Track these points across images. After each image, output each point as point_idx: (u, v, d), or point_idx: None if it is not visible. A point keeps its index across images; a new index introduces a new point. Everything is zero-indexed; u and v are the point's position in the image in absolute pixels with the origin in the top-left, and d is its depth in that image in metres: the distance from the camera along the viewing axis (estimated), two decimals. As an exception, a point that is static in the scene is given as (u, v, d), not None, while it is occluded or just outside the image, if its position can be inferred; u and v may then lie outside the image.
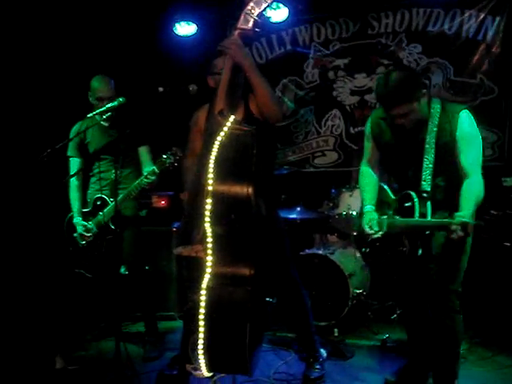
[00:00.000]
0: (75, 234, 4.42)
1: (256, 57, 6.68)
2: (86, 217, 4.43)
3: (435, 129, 3.16)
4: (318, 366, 3.83)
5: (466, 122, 3.13)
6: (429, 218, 3.08)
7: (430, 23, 5.95)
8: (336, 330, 4.68)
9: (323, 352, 4.05)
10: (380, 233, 3.34)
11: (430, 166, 3.16)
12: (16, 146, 5.14)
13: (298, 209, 5.55)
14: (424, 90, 3.17)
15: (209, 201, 2.77)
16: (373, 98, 6.24)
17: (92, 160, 4.46)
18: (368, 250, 3.57)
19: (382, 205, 3.48)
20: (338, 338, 4.62)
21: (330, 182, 5.77)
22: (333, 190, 5.50)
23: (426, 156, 3.17)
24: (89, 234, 4.35)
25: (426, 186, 3.14)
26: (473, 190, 3.04)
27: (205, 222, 2.76)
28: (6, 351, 4.19)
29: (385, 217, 3.37)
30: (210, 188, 2.77)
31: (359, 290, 4.86)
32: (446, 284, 3.15)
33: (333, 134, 6.51)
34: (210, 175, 2.79)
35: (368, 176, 3.63)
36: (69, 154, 4.46)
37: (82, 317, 4.83)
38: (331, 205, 5.43)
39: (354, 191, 5.19)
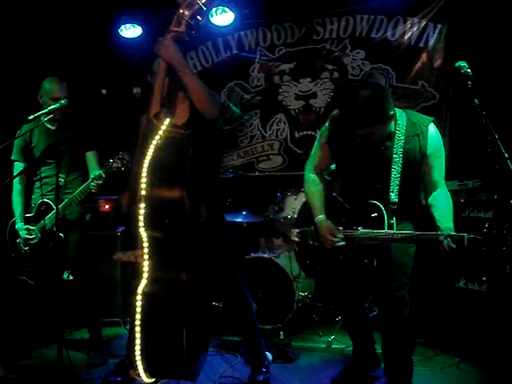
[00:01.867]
0: (18, 240, 4.33)
1: (202, 60, 6.69)
2: (29, 222, 4.34)
3: (402, 140, 3.16)
4: (263, 369, 3.84)
5: (434, 136, 3.18)
6: (394, 230, 3.09)
7: (373, 30, 6.03)
8: (281, 332, 4.74)
9: (269, 355, 4.08)
10: (342, 243, 3.26)
11: (398, 176, 3.16)
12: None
13: (244, 212, 5.57)
14: (393, 112, 3.16)
15: (142, 205, 2.75)
16: (317, 102, 6.31)
17: (37, 164, 4.35)
18: (312, 262, 3.56)
19: (331, 215, 3.39)
20: (284, 341, 4.66)
21: (276, 185, 5.79)
22: (278, 194, 5.53)
23: (393, 166, 3.17)
24: (32, 237, 4.26)
25: (394, 197, 3.14)
26: (448, 201, 3.11)
27: (139, 226, 2.75)
28: None
29: (340, 228, 3.31)
30: (143, 192, 2.76)
31: (304, 292, 4.91)
32: (395, 292, 3.19)
33: (278, 138, 6.53)
34: (143, 179, 2.77)
35: (316, 184, 3.54)
36: (13, 157, 4.37)
37: (26, 324, 4.73)
38: (276, 208, 5.46)
39: (298, 195, 5.23)
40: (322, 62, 6.28)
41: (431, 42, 5.78)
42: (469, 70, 2.84)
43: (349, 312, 3.71)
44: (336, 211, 3.42)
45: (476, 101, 2.72)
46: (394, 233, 3.07)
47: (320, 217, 3.40)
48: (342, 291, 3.60)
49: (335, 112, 3.66)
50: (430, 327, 4.64)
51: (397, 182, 3.16)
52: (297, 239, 3.65)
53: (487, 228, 2.75)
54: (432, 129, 3.19)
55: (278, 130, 6.55)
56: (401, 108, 3.28)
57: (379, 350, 3.57)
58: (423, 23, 5.82)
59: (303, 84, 6.38)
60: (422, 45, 5.84)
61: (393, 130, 3.19)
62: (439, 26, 5.74)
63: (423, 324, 4.59)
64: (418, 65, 5.88)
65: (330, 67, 6.26)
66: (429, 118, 3.28)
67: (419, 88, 5.88)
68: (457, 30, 5.55)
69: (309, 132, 6.37)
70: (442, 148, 3.21)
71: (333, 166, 3.71)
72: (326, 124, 3.52)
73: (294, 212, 5.15)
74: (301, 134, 6.44)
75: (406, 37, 5.91)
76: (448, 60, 5.58)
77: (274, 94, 6.51)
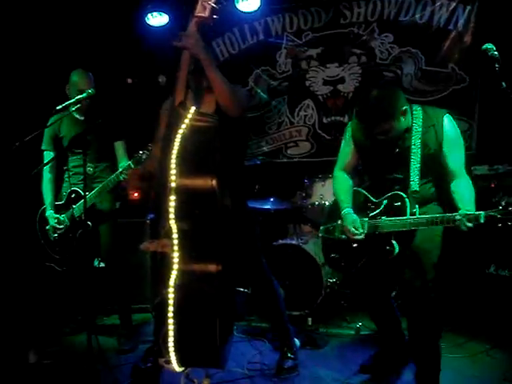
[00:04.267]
0: (47, 227, 4.41)
1: (229, 47, 6.67)
2: (59, 210, 4.42)
3: (420, 132, 3.22)
4: (291, 356, 3.85)
5: (449, 127, 3.22)
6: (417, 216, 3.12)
7: (401, 12, 5.96)
8: (310, 319, 4.73)
9: (297, 341, 4.08)
10: (363, 234, 3.32)
11: (418, 165, 3.20)
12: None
13: (272, 199, 5.55)
14: (406, 107, 3.20)
15: (172, 197, 2.75)
16: (345, 87, 6.27)
17: (66, 154, 4.43)
18: (339, 256, 3.57)
19: (357, 209, 3.45)
20: (312, 328, 4.66)
21: (303, 172, 5.79)
22: (305, 180, 5.51)
23: (412, 157, 3.22)
24: (61, 227, 4.33)
25: (415, 185, 3.19)
26: (469, 188, 3.12)
27: (169, 218, 2.75)
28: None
29: (365, 219, 3.35)
30: (172, 184, 2.75)
31: (332, 279, 4.89)
32: (420, 279, 3.17)
33: (306, 124, 6.51)
34: (173, 171, 2.76)
35: (344, 180, 3.61)
36: (43, 147, 4.45)
37: (57, 310, 4.80)
38: (304, 195, 5.45)
39: (326, 181, 5.22)
40: (350, 46, 6.23)
41: (460, 23, 5.71)
42: (496, 53, 2.79)
43: (374, 305, 3.69)
44: (362, 204, 3.47)
45: (503, 84, 2.68)
46: (413, 218, 3.11)
47: (345, 210, 3.44)
48: (366, 284, 3.59)
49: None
50: (459, 314, 4.59)
51: (417, 172, 3.20)
52: (320, 234, 3.76)
53: (503, 206, 2.74)
54: (446, 120, 3.23)
55: (305, 115, 6.52)
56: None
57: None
58: (452, 5, 5.75)
59: (331, 69, 6.34)
60: (451, 27, 5.76)
61: (410, 123, 3.26)
62: (468, 7, 5.66)
63: (452, 310, 4.55)
64: (448, 47, 5.81)
65: (357, 51, 6.21)
66: (443, 110, 3.31)
67: (449, 71, 5.81)
68: (486, 11, 5.46)
69: (337, 117, 6.33)
70: (460, 138, 3.24)
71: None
72: (349, 122, 3.61)
73: (321, 198, 5.16)
74: (329, 119, 6.41)
75: (435, 19, 5.83)
76: (477, 42, 5.47)
77: (302, 80, 6.48)
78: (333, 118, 6.35)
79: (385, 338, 3.81)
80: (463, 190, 3.10)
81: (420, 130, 3.23)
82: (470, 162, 4.91)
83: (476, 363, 3.88)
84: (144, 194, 5.56)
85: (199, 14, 2.98)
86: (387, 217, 3.25)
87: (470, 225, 2.84)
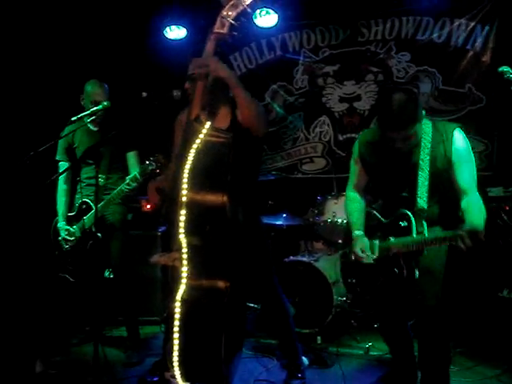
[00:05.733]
0: (59, 238, 4.42)
1: (246, 61, 6.71)
2: (71, 221, 4.43)
3: (429, 147, 3.13)
4: (299, 375, 3.80)
5: (459, 142, 3.11)
6: (425, 235, 3.04)
7: (419, 31, 5.95)
8: (319, 337, 4.69)
9: (305, 360, 4.04)
10: (373, 257, 3.26)
11: (426, 183, 3.12)
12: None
13: (284, 215, 5.54)
14: (424, 111, 3.13)
15: (183, 212, 2.74)
16: (361, 105, 6.26)
17: (79, 165, 4.44)
18: (355, 281, 3.52)
19: (370, 230, 3.39)
20: (321, 346, 4.62)
21: (316, 188, 5.79)
22: (318, 197, 5.50)
23: (420, 173, 3.13)
24: (72, 239, 4.34)
25: (423, 203, 3.10)
26: (477, 205, 3.00)
27: (179, 233, 2.74)
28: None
29: (376, 241, 3.30)
30: (183, 198, 2.75)
31: (343, 297, 4.85)
32: (428, 302, 3.13)
33: (321, 140, 6.51)
34: (184, 185, 2.76)
35: (355, 201, 3.55)
36: (57, 157, 4.49)
37: (65, 321, 4.80)
38: (316, 212, 5.43)
39: (339, 199, 5.19)
40: (367, 64, 6.24)
41: (479, 43, 5.69)
42: (512, 75, 2.77)
43: (390, 330, 3.62)
44: (373, 226, 3.42)
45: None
46: (419, 237, 3.04)
47: (355, 233, 3.39)
48: (383, 310, 3.54)
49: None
50: (470, 337, 4.53)
51: (425, 189, 3.11)
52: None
53: (503, 221, 2.68)
54: (457, 135, 3.12)
55: (321, 132, 6.53)
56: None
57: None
58: (471, 25, 5.72)
59: (347, 86, 6.35)
60: (469, 47, 5.74)
61: (419, 137, 3.14)
62: (487, 27, 5.64)
63: (464, 333, 4.50)
64: (465, 67, 5.79)
65: (374, 69, 6.21)
66: (455, 124, 3.23)
67: (466, 91, 5.79)
68: (505, 31, 5.43)
69: (353, 135, 6.31)
70: (470, 154, 3.13)
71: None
72: (356, 141, 3.54)
73: (334, 216, 5.12)
74: (344, 136, 6.40)
75: (453, 38, 5.81)
76: (496, 62, 5.44)
77: (318, 96, 6.49)
78: (348, 135, 6.34)
79: (396, 359, 3.74)
80: (471, 209, 2.99)
81: (429, 145, 3.12)
82: (486, 183, 4.90)
83: (486, 387, 3.82)
84: (156, 206, 5.58)
85: (218, 31, 2.98)
86: (394, 237, 3.18)
87: (468, 242, 2.76)
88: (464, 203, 3.05)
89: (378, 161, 3.35)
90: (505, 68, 2.79)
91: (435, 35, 5.85)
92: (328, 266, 4.91)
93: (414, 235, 3.07)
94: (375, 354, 4.45)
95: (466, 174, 3.10)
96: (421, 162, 3.13)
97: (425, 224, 3.08)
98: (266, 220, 5.06)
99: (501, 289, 4.48)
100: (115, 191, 4.25)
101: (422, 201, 3.11)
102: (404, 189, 3.24)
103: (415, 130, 3.05)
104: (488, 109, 5.66)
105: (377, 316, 3.64)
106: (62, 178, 4.49)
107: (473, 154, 3.15)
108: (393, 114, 2.99)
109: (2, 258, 4.98)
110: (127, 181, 4.21)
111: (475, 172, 3.13)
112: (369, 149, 3.41)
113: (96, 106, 4.07)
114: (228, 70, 3.05)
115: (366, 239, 3.33)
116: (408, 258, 3.11)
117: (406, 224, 3.13)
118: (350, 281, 3.56)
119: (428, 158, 3.12)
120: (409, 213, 3.13)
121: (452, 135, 3.11)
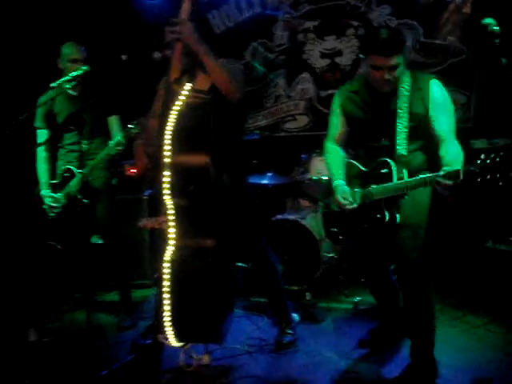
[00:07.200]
0: (44, 206, 4.38)
1: (225, 20, 6.59)
2: (55, 188, 4.38)
3: (407, 95, 3.16)
4: (290, 331, 3.87)
5: (436, 90, 3.16)
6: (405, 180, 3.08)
7: (399, -17, 5.88)
8: (308, 293, 4.76)
9: (295, 316, 4.11)
10: (354, 205, 3.29)
11: (405, 130, 3.15)
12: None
13: (270, 174, 5.54)
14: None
15: (166, 173, 2.74)
16: (342, 60, 6.21)
17: (61, 131, 4.38)
18: (337, 230, 3.55)
19: (351, 180, 3.42)
20: (310, 302, 4.68)
21: (301, 146, 5.78)
22: (303, 155, 5.51)
23: (398, 121, 3.16)
24: (57, 205, 4.30)
25: (402, 149, 3.14)
26: (456, 152, 3.01)
27: (164, 194, 2.75)
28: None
29: (357, 189, 3.33)
30: (167, 160, 2.74)
31: (330, 253, 4.90)
32: (411, 251, 3.14)
33: (303, 97, 6.46)
34: (167, 147, 2.75)
35: (335, 152, 3.58)
36: (36, 125, 4.38)
37: (57, 288, 4.80)
38: (302, 170, 5.44)
39: (324, 156, 5.18)
40: (347, 18, 6.15)
41: (459, -6, 5.61)
42: (497, 28, 2.75)
43: (373, 278, 3.70)
44: (353, 175, 3.44)
45: (503, 60, 2.64)
46: (399, 182, 3.08)
47: (335, 182, 3.42)
48: (365, 257, 3.59)
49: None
50: (458, 288, 4.62)
51: (404, 136, 3.15)
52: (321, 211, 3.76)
53: (482, 159, 2.71)
54: (434, 84, 3.18)
55: (303, 89, 6.47)
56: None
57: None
58: (451, -25, 5.64)
59: (328, 42, 6.27)
60: (449, -2, 5.67)
61: (400, 81, 3.19)
62: (467, -24, 5.56)
63: (451, 284, 4.58)
64: (446, 19, 5.72)
65: (355, 23, 6.14)
66: (431, 75, 3.30)
67: (447, 43, 5.74)
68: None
69: (335, 90, 6.23)
70: (448, 103, 3.16)
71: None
72: (335, 94, 3.58)
73: (319, 173, 5.12)
74: (326, 92, 6.34)
75: (433, -11, 5.73)
76: (477, 14, 5.42)
77: (299, 53, 6.42)
78: (330, 91, 6.26)
79: (384, 311, 3.81)
80: (450, 154, 2.99)
81: (407, 93, 3.16)
82: (468, 135, 4.91)
83: (475, 337, 3.89)
84: (144, 169, 5.56)
85: None
86: (376, 185, 3.21)
87: (448, 182, 2.78)
88: (443, 150, 3.05)
89: (358, 109, 3.39)
90: (489, 20, 2.76)
91: (416, -13, 5.78)
92: (315, 223, 4.94)
93: (395, 180, 3.11)
94: (364, 307, 4.53)
95: (444, 122, 3.12)
96: (399, 109, 3.17)
97: (404, 170, 3.11)
98: (251, 180, 5.07)
99: (486, 240, 4.54)
100: (100, 156, 4.19)
101: (402, 148, 3.15)
102: (383, 136, 3.28)
103: (399, 63, 3.09)
104: (469, 61, 5.63)
105: (359, 263, 3.67)
106: (41, 146, 4.41)
107: (451, 104, 3.18)
108: (381, 38, 3.06)
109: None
110: (111, 145, 4.15)
111: (454, 121, 3.15)
112: (349, 99, 3.44)
113: (74, 65, 4.02)
114: (198, 40, 3.03)
115: (346, 187, 3.37)
116: (389, 203, 3.15)
117: (386, 171, 3.17)
118: (331, 230, 3.59)
119: (406, 105, 3.16)
120: (389, 160, 3.17)
121: (429, 84, 3.17)
